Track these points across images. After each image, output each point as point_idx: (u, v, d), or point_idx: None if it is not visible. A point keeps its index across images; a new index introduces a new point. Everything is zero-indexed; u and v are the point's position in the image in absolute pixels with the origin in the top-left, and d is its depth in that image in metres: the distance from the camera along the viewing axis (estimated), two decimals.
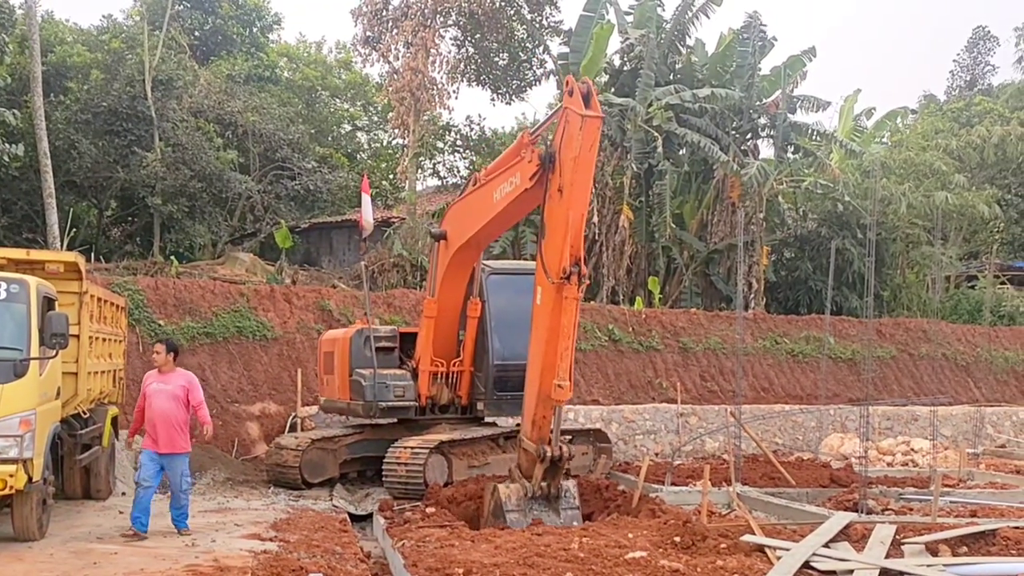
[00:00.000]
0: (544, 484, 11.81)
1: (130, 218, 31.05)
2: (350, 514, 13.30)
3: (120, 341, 14.52)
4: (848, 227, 28.09)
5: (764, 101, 30.06)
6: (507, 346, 15.17)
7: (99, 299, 12.89)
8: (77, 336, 11.51)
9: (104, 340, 13.08)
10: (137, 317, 17.74)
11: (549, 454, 11.69)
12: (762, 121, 30.02)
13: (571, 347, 11.49)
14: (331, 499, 14.45)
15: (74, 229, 25.01)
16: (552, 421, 11.74)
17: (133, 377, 16.70)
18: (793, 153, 30.44)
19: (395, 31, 31.93)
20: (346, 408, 16.14)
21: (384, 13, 32.06)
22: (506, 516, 11.62)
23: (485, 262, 16.12)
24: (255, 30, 39.00)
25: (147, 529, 10.46)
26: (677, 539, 9.80)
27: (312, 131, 36.52)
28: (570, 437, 16.54)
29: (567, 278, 11.21)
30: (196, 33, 36.27)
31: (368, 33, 32.53)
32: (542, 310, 11.66)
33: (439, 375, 15.51)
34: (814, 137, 30.41)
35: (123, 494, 13.79)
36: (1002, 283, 33.83)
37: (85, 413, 12.29)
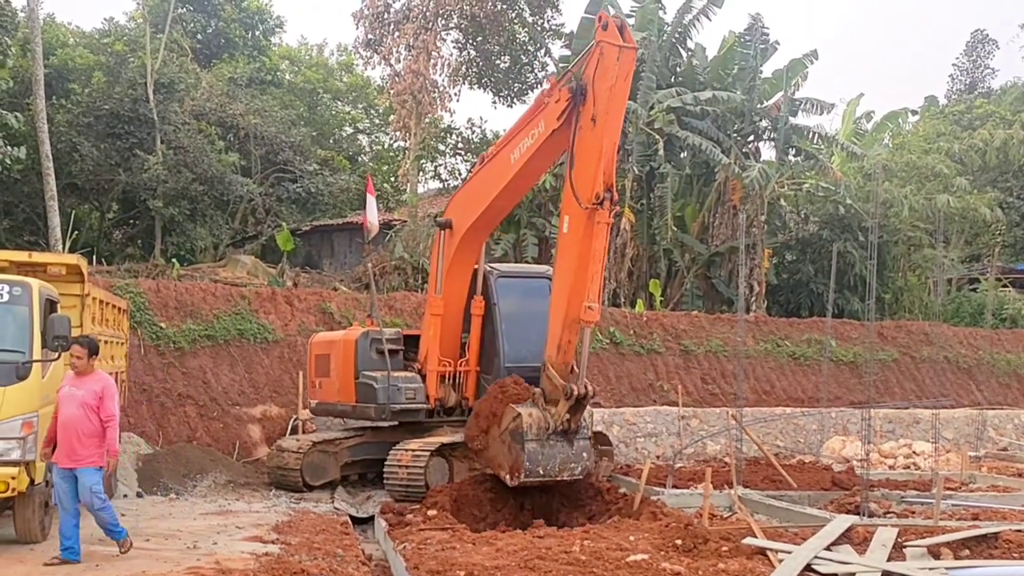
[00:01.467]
0: (567, 419, 12.24)
1: (132, 221, 31.10)
2: (351, 517, 13.28)
3: (122, 343, 14.54)
4: (850, 230, 28.09)
5: (765, 104, 30.07)
6: (517, 348, 15.11)
7: (101, 301, 12.90)
8: None
9: (106, 342, 13.07)
10: (139, 319, 17.75)
11: (576, 392, 12.06)
12: (763, 124, 30.04)
13: (601, 271, 12.06)
14: (332, 501, 14.43)
15: (76, 232, 25.07)
16: (576, 351, 12.20)
17: (135, 380, 16.75)
18: (795, 156, 30.46)
19: (397, 34, 32.00)
20: (349, 411, 15.95)
21: (386, 16, 32.14)
22: (525, 444, 12.12)
23: (492, 265, 16.12)
24: (257, 33, 39.09)
25: (79, 557, 9.23)
26: (678, 542, 9.79)
27: (314, 134, 36.59)
28: None
29: (600, 203, 11.75)
30: (198, 36, 36.35)
31: (370, 36, 32.61)
32: (571, 237, 12.20)
33: (446, 376, 15.40)
34: (815, 140, 30.42)
35: (125, 496, 13.80)
36: (1004, 286, 33.80)
37: None
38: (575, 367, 12.30)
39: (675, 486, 15.12)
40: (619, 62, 11.90)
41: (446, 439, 14.45)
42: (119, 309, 14.39)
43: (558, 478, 12.65)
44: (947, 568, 8.91)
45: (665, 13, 30.09)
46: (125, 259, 28.03)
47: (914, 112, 40.41)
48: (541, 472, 12.42)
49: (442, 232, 15.12)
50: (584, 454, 12.59)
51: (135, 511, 12.51)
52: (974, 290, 33.18)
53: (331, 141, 40.42)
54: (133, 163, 26.66)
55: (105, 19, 38.22)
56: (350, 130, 43.87)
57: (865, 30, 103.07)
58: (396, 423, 15.60)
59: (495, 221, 15.81)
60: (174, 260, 26.18)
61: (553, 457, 12.41)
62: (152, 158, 26.39)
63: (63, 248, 22.02)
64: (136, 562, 9.28)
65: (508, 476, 12.59)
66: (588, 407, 12.74)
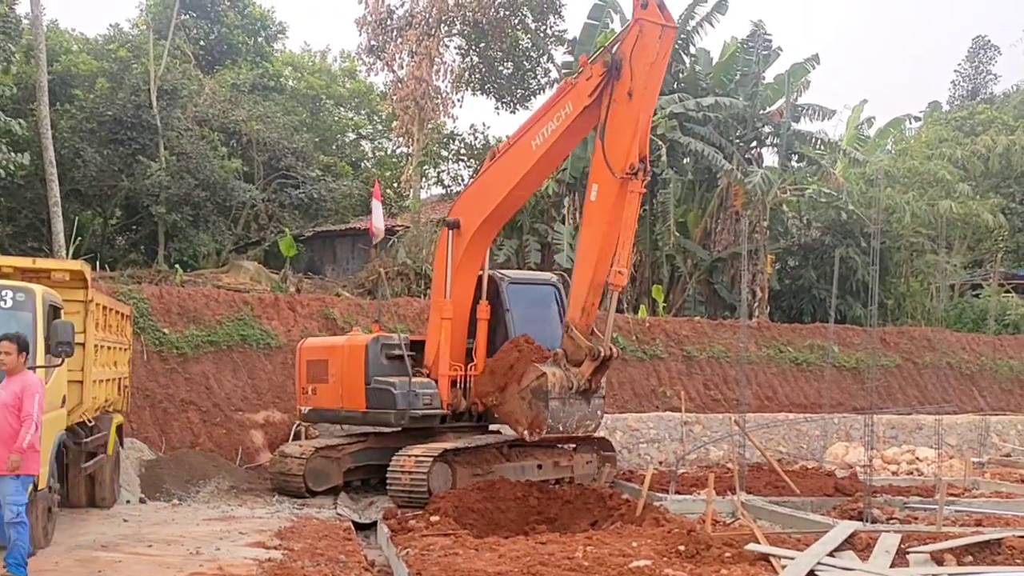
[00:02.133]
0: (589, 379, 13.11)
1: (135, 227, 31.16)
2: (354, 522, 13.27)
3: (125, 349, 14.54)
4: (852, 236, 28.09)
5: (768, 110, 30.09)
6: None
7: (104, 307, 12.91)
8: (83, 344, 11.49)
9: (109, 348, 13.10)
10: (142, 325, 17.77)
11: (602, 353, 12.92)
12: (766, 130, 30.04)
13: (631, 238, 13.04)
14: (335, 507, 14.43)
15: (79, 238, 25.12)
16: (596, 313, 13.22)
17: (138, 386, 16.76)
18: (797, 162, 30.46)
19: (399, 40, 32.05)
20: (357, 418, 15.75)
21: (388, 22, 32.19)
22: (548, 403, 13.00)
23: (502, 271, 16.16)
24: (260, 39, 39.18)
25: (25, 572, 8.50)
26: (681, 548, 9.79)
27: (316, 140, 36.66)
28: (574, 446, 16.62)
29: (634, 174, 12.59)
30: (201, 42, 36.44)
31: (372, 42, 32.65)
32: (599, 205, 13.04)
33: (456, 381, 15.33)
34: (818, 146, 30.42)
35: (128, 502, 13.81)
36: (1007, 291, 33.79)
37: (90, 421, 12.28)
38: (595, 330, 13.20)
39: (678, 492, 15.13)
40: (660, 40, 12.77)
41: (449, 445, 14.45)
42: (122, 315, 14.40)
43: (575, 434, 13.84)
44: (950, 574, 8.91)
45: None
46: (128, 265, 28.09)
47: (917, 118, 40.42)
48: (561, 429, 13.47)
49: (449, 233, 15.09)
50: (599, 412, 13.74)
51: (138, 517, 12.53)
52: (977, 296, 33.17)
53: (334, 147, 40.48)
54: (136, 169, 26.71)
55: (109, 25, 38.45)
56: (353, 136, 43.94)
57: (866, 36, 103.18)
58: (400, 428, 15.61)
59: (505, 218, 15.98)
60: (177, 266, 26.21)
61: (572, 415, 13.39)
62: (155, 164, 26.44)
63: (66, 254, 22.05)
64: (139, 568, 9.30)
65: (527, 431, 13.48)
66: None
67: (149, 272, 25.53)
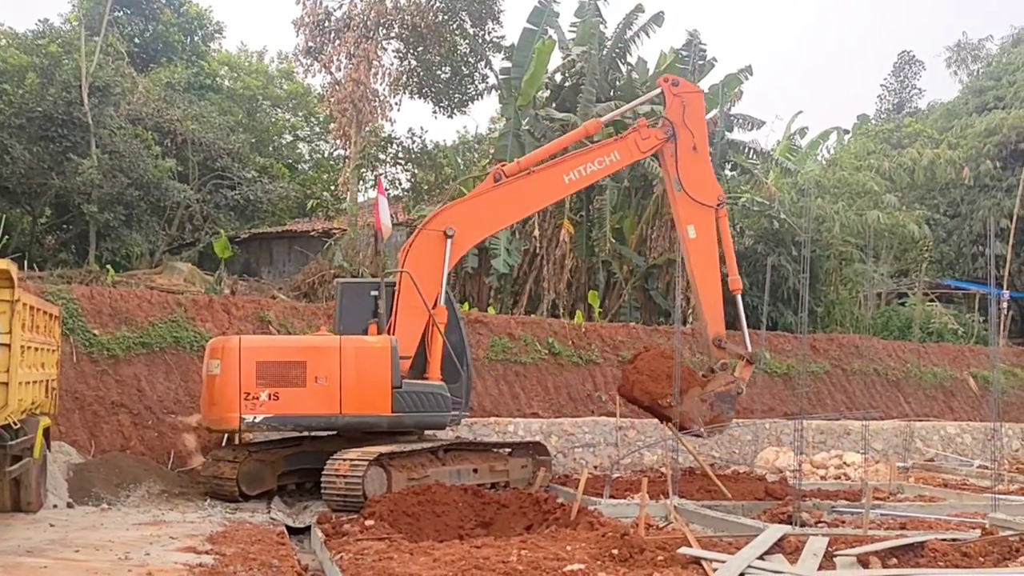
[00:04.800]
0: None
1: (65, 226, 30.50)
2: (288, 527, 13.19)
3: (53, 351, 14.26)
4: (784, 244, 28.56)
5: None
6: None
7: (32, 308, 12.66)
8: (8, 345, 11.27)
9: (36, 349, 12.84)
10: (71, 326, 17.44)
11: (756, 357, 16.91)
12: None
13: (733, 248, 17.03)
14: (269, 512, 14.32)
15: (6, 236, 24.51)
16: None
17: (67, 388, 16.45)
18: (731, 171, 30.87)
19: (337, 42, 31.84)
20: (374, 423, 15.06)
21: (326, 24, 31.96)
22: (732, 407, 16.48)
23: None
24: (196, 38, 38.64)
25: None
26: (615, 552, 9.88)
27: (253, 141, 36.27)
28: (509, 450, 16.70)
29: (721, 204, 16.40)
30: (135, 40, 35.80)
31: (310, 44, 32.39)
32: (703, 239, 16.43)
33: None
34: (751, 155, 30.89)
35: (54, 507, 13.56)
36: (931, 301, 34.63)
37: (16, 424, 12.01)
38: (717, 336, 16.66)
39: (612, 496, 15.28)
40: (704, 102, 16.88)
41: (384, 449, 14.42)
42: (51, 315, 14.12)
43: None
44: None
45: (606, 28, 30.36)
46: (58, 265, 27.47)
47: (846, 131, 41.28)
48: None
49: (448, 242, 15.40)
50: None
51: (65, 522, 12.31)
52: (902, 304, 33.90)
53: (270, 148, 40.08)
54: (67, 167, 26.16)
55: (39, 20, 37.41)
56: (290, 138, 43.55)
57: (805, 53, 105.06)
58: (335, 432, 15.55)
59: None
60: (109, 266, 25.72)
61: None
62: (86, 162, 25.91)
63: None
64: (65, 574, 9.14)
65: (706, 429, 16.25)
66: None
67: (80, 272, 24.99)
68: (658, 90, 17.46)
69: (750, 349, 16.88)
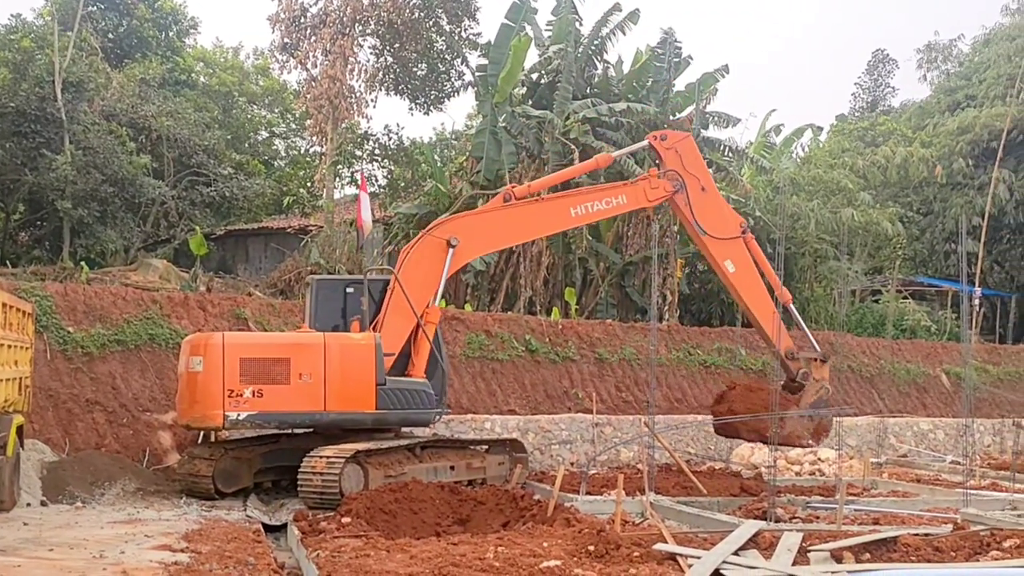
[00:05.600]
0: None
1: (38, 222, 30.30)
2: (264, 524, 13.15)
3: (26, 348, 14.17)
4: (759, 241, 28.56)
5: (678, 116, 30.58)
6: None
7: (4, 305, 12.58)
8: None
9: (9, 347, 12.76)
10: (45, 324, 17.31)
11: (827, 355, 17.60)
12: None
13: (769, 265, 17.38)
14: (245, 509, 14.27)
15: None
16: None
17: (40, 385, 16.33)
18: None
19: (313, 38, 31.81)
20: (357, 420, 14.98)
21: (302, 20, 31.92)
22: (828, 407, 17.29)
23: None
24: (171, 34, 38.43)
25: None
26: (591, 548, 9.91)
27: (228, 137, 36.14)
28: (486, 447, 16.73)
29: (745, 231, 17.04)
30: (110, 35, 35.60)
31: (286, 40, 32.33)
32: (741, 270, 16.93)
33: None
34: (726, 153, 31.02)
35: (28, 505, 13.45)
36: (904, 298, 34.90)
37: None
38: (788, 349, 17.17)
39: (588, 493, 15.31)
40: (695, 144, 17.33)
41: (361, 446, 14.40)
42: (23, 312, 14.02)
43: None
44: (848, 572, 9.19)
45: (582, 26, 30.43)
46: (32, 262, 27.30)
47: (820, 128, 41.56)
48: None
49: (451, 251, 15.59)
50: None
51: (39, 520, 12.22)
52: (876, 301, 34.16)
53: (246, 145, 39.94)
54: (40, 163, 25.97)
55: (12, 15, 37.17)
56: (266, 134, 43.40)
57: (785, 52, 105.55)
58: (311, 430, 15.52)
59: None
60: (83, 263, 25.55)
61: None
62: (60, 158, 25.73)
63: None
64: (39, 572, 9.07)
65: (813, 440, 17.29)
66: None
67: (53, 269, 24.84)
68: (645, 142, 17.84)
69: (818, 349, 17.61)
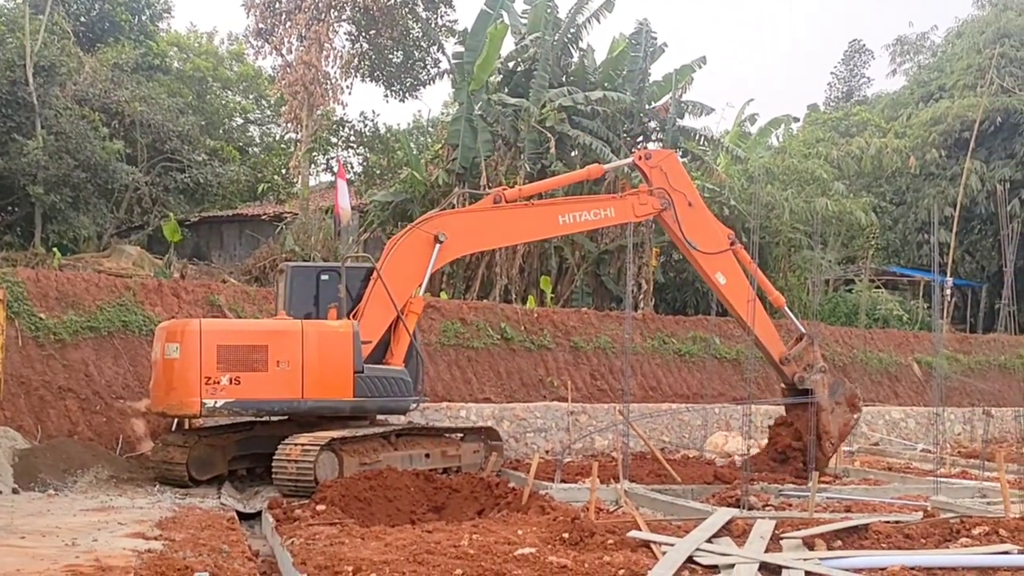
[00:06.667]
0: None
1: (10, 207, 29.96)
2: (238, 512, 13.10)
3: None
4: (733, 230, 28.72)
5: (654, 105, 30.64)
6: None
7: None
8: None
9: None
10: (16, 310, 17.16)
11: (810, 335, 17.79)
12: (652, 125, 30.59)
13: (760, 273, 17.50)
14: (219, 497, 14.23)
15: None
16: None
17: (12, 372, 16.20)
18: (682, 157, 31.05)
19: (288, 24, 31.59)
20: (335, 408, 15.00)
21: (277, 5, 31.69)
22: (841, 386, 17.63)
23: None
24: (144, 18, 38.07)
25: None
26: (565, 535, 9.95)
27: (202, 123, 35.86)
28: (461, 435, 16.75)
29: (734, 242, 17.26)
30: (82, 19, 35.23)
31: (261, 25, 32.09)
32: (732, 281, 17.09)
33: None
34: (701, 142, 31.12)
35: (0, 492, 13.36)
36: (877, 287, 35.18)
37: None
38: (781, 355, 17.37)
39: (563, 480, 15.36)
40: (679, 160, 17.79)
41: (336, 433, 14.38)
42: None
43: None
44: (820, 559, 9.27)
45: (558, 13, 30.40)
46: (2, 247, 27.01)
47: (796, 119, 41.70)
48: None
49: (437, 246, 15.60)
50: None
51: (10, 508, 12.13)
52: (849, 291, 34.40)
53: (221, 131, 39.66)
54: (11, 148, 25.70)
55: None
56: (240, 120, 43.11)
57: (759, 41, 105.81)
58: (286, 417, 15.48)
59: None
60: (55, 249, 25.33)
61: None
62: (31, 143, 25.47)
63: None
64: (10, 560, 9.00)
65: (839, 440, 17.39)
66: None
67: (25, 255, 24.61)
68: (630, 160, 18.24)
69: (803, 330, 18.01)
